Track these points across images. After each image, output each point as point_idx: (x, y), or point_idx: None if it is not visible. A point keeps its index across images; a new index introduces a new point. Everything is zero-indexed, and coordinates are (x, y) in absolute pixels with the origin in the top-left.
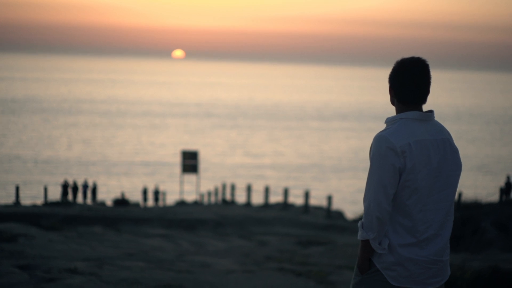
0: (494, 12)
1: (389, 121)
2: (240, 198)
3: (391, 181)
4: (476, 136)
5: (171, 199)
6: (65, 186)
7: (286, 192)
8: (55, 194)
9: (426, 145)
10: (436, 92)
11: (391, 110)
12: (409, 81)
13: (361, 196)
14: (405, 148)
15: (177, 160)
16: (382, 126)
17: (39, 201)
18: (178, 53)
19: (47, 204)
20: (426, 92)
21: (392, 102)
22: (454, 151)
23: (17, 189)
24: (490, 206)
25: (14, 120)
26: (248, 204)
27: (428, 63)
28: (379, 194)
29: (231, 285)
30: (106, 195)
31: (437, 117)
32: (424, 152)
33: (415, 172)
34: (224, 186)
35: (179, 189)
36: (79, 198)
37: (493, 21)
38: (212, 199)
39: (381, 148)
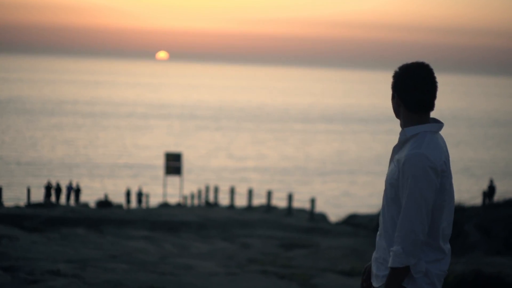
0: (488, 16)
1: (411, 134)
2: (224, 200)
3: (431, 203)
4: (460, 140)
5: (154, 201)
6: (48, 188)
7: (269, 195)
8: (38, 195)
9: (448, 160)
10: None
11: (376, 113)
12: (420, 88)
13: (344, 200)
14: (443, 167)
15: (160, 162)
16: (368, 128)
17: (22, 202)
18: (162, 54)
19: (30, 205)
20: (435, 98)
21: (397, 111)
22: None
23: (0, 190)
24: (473, 209)
25: None
26: (231, 207)
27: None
28: (424, 217)
29: None
30: (90, 197)
31: None
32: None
33: (448, 190)
34: (207, 189)
35: (162, 191)
36: (62, 200)
37: (486, 25)
38: (196, 201)
39: (424, 168)
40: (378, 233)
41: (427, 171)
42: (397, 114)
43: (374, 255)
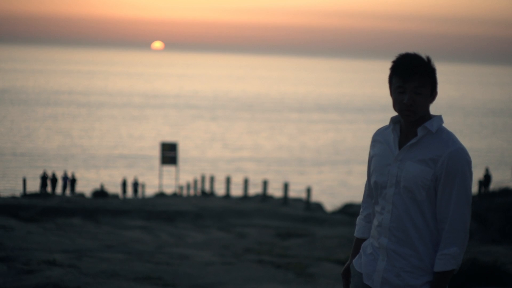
0: (483, 5)
1: (435, 129)
2: (219, 190)
3: None
4: (455, 129)
5: (150, 191)
6: (44, 178)
7: (265, 184)
8: (33, 186)
9: None
10: None
11: (371, 102)
12: None
13: (340, 189)
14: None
15: (156, 152)
16: (363, 118)
17: (18, 193)
18: (157, 44)
19: (26, 195)
20: None
21: (425, 106)
22: None
23: None
24: None
25: None
26: (227, 196)
27: None
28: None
29: (210, 277)
30: (85, 188)
31: None
32: None
33: None
34: (203, 178)
35: (158, 181)
36: (58, 190)
37: (481, 14)
38: (191, 191)
39: (469, 165)
40: (391, 239)
41: (470, 167)
42: (424, 110)
43: (391, 264)
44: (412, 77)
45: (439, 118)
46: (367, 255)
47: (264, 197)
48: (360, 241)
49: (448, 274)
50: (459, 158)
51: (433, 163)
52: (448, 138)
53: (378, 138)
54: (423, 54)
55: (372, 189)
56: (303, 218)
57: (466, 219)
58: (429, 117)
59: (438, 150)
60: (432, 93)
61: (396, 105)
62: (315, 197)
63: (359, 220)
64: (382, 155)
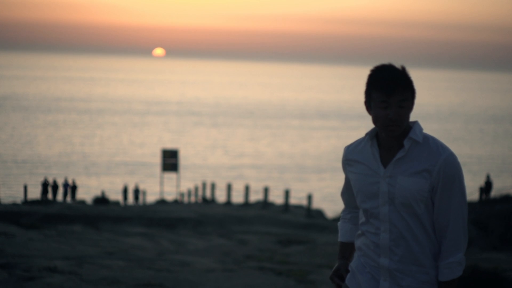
0: (484, 12)
1: (425, 134)
2: (220, 197)
3: None
4: (456, 136)
5: (151, 198)
6: (45, 185)
7: (266, 191)
8: (34, 193)
9: None
10: (420, 91)
11: None
12: None
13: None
14: None
15: (157, 159)
16: (364, 124)
17: (19, 200)
18: (158, 51)
19: (27, 202)
20: None
21: (408, 116)
22: None
23: None
24: (470, 205)
25: None
26: (228, 203)
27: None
28: None
29: (211, 284)
30: (87, 195)
31: (418, 117)
32: None
33: None
34: (204, 185)
35: (159, 188)
36: (59, 197)
37: (482, 21)
38: (192, 198)
39: (461, 168)
40: (393, 258)
41: (462, 169)
42: (407, 122)
43: (396, 284)
44: (396, 91)
45: (418, 126)
46: (364, 273)
47: (265, 204)
48: (346, 245)
49: (456, 281)
50: (453, 163)
51: (428, 174)
52: (436, 145)
53: (353, 157)
54: (397, 64)
55: (356, 207)
56: (304, 225)
57: (465, 222)
58: (409, 126)
59: (430, 160)
60: (412, 104)
61: (378, 121)
62: (316, 204)
63: (342, 224)
64: (363, 173)
